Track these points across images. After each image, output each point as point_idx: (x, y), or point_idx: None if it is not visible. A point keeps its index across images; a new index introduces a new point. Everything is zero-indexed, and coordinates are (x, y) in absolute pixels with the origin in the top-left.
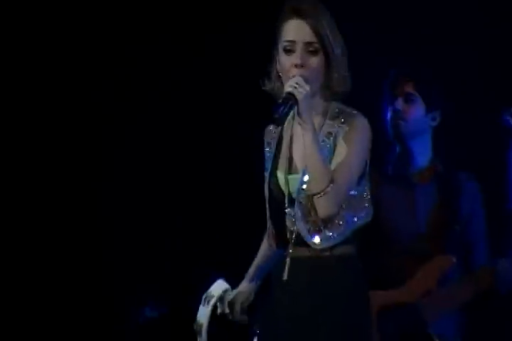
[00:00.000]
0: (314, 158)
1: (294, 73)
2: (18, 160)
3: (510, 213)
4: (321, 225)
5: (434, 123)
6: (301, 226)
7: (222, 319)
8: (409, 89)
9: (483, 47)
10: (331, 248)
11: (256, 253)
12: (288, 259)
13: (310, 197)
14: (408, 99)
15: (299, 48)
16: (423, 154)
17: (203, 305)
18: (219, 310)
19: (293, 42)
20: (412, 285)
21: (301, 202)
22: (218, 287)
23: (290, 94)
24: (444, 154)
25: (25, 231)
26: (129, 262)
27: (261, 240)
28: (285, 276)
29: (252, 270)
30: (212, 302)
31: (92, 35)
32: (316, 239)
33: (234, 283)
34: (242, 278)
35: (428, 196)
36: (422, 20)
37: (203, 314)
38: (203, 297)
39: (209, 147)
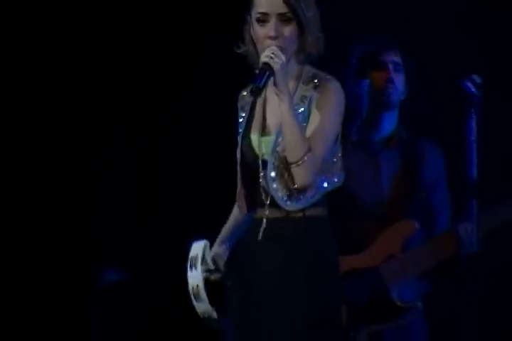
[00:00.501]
0: (292, 127)
1: (268, 44)
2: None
3: (471, 180)
4: (293, 188)
5: (404, 95)
6: (273, 188)
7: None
8: (397, 59)
9: (446, 20)
10: (303, 209)
11: (225, 218)
12: (264, 220)
13: (283, 158)
14: (397, 69)
15: (272, 19)
16: (390, 122)
17: (191, 270)
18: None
19: (266, 14)
20: (375, 249)
21: (274, 164)
22: (198, 247)
23: (266, 64)
24: (408, 122)
25: None
26: (100, 227)
27: (230, 205)
28: (260, 236)
29: (223, 233)
30: (199, 262)
31: (86, 37)
32: (288, 202)
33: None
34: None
35: (392, 162)
36: None
37: (196, 277)
38: (188, 262)
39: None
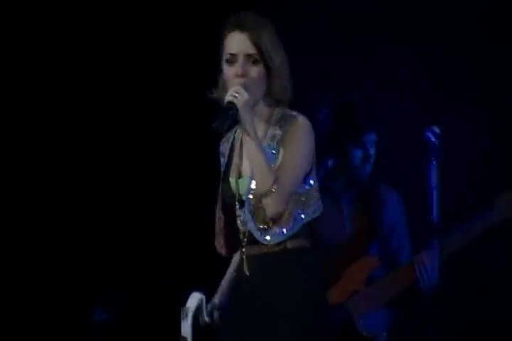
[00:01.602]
0: (258, 161)
1: (235, 82)
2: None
3: (432, 223)
4: (270, 223)
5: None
6: (251, 225)
7: (204, 329)
8: (374, 136)
9: (405, 76)
10: (284, 242)
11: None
12: (244, 257)
13: (258, 197)
14: (373, 146)
15: (240, 60)
16: (360, 179)
17: (183, 319)
18: (200, 321)
19: (234, 54)
20: (341, 286)
21: (250, 202)
22: (193, 299)
23: (230, 103)
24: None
25: None
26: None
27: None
28: (246, 271)
29: (223, 285)
30: (190, 314)
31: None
32: (267, 236)
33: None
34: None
35: (351, 204)
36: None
37: (185, 327)
38: (182, 311)
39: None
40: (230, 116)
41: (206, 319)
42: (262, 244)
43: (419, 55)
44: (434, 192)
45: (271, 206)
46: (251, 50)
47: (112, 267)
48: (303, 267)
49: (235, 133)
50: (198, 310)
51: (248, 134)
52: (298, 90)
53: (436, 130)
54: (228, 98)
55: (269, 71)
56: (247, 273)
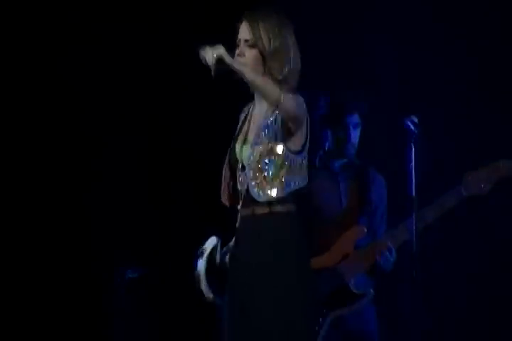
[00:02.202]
0: (257, 80)
1: (237, 60)
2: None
3: (410, 197)
4: (265, 184)
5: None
6: (251, 185)
7: (218, 268)
8: (356, 118)
9: (391, 71)
10: (270, 206)
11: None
12: (241, 215)
13: (257, 162)
14: (355, 127)
15: (241, 43)
16: (347, 156)
17: (199, 258)
18: (215, 262)
19: (239, 39)
20: (334, 250)
21: (250, 166)
22: (210, 242)
23: (218, 58)
24: (361, 153)
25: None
26: (114, 229)
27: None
28: (241, 230)
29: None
30: (206, 254)
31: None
32: (261, 194)
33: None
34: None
35: (347, 182)
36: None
37: (200, 265)
38: (199, 251)
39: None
40: (220, 67)
41: (217, 260)
42: (254, 205)
43: (405, 52)
44: (412, 172)
45: (289, 106)
46: (247, 36)
47: (133, 231)
48: (287, 229)
49: (251, 107)
50: (213, 251)
51: (240, 69)
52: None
53: (415, 119)
54: (212, 57)
55: (263, 54)
56: (241, 232)
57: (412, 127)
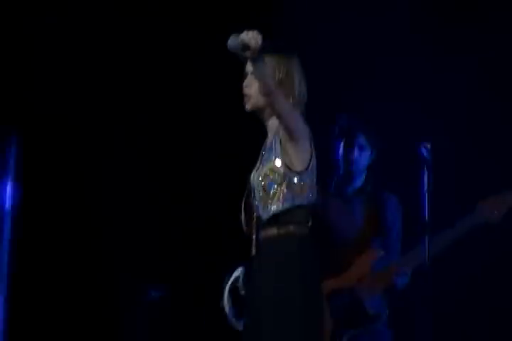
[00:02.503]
0: (260, 70)
1: (244, 91)
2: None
3: (423, 219)
4: (268, 201)
5: (371, 160)
6: (260, 206)
7: (242, 297)
8: (362, 141)
9: (401, 98)
10: (278, 228)
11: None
12: (253, 238)
13: (262, 182)
14: (361, 149)
15: (247, 75)
16: (359, 180)
17: (225, 289)
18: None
19: (246, 72)
20: (351, 272)
21: (258, 188)
22: (236, 272)
23: (245, 45)
24: (373, 178)
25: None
26: (134, 252)
27: None
28: (253, 253)
29: None
30: (228, 284)
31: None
32: (264, 212)
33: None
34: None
35: (360, 207)
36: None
37: (225, 291)
38: (225, 282)
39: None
40: (241, 53)
41: (241, 290)
42: (264, 228)
43: (419, 75)
44: (426, 196)
45: (278, 102)
46: (249, 68)
47: (163, 251)
48: (294, 251)
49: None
50: (236, 281)
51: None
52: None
53: (428, 145)
54: (247, 40)
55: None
56: (254, 254)
57: (425, 153)
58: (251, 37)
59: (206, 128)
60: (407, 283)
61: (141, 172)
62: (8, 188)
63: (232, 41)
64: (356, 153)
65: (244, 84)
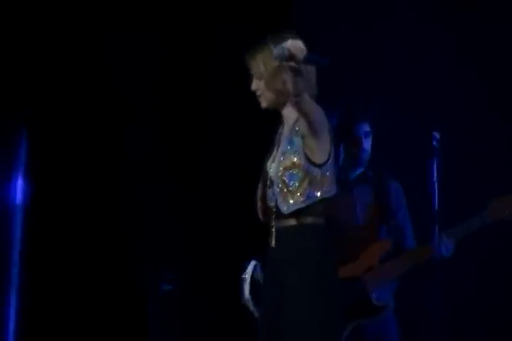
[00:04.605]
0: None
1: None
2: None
3: (433, 210)
4: (288, 196)
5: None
6: (278, 199)
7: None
8: (367, 127)
9: (409, 87)
10: (298, 218)
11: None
12: (272, 230)
13: (282, 176)
14: (367, 136)
15: (253, 77)
16: (360, 168)
17: (244, 284)
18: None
19: (252, 73)
20: (360, 262)
21: (277, 181)
22: (250, 266)
23: (290, 54)
24: (375, 164)
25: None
26: (149, 245)
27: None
28: (273, 243)
29: None
30: (247, 280)
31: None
32: (285, 207)
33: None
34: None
35: (364, 195)
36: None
37: (246, 292)
38: (242, 277)
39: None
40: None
41: (261, 282)
42: (283, 218)
43: (429, 64)
44: (435, 186)
45: (308, 111)
46: (252, 70)
47: (173, 242)
48: (313, 240)
49: (282, 127)
50: (255, 275)
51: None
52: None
53: (437, 135)
54: (294, 52)
55: (265, 80)
56: (273, 245)
57: (434, 142)
58: (298, 49)
59: (217, 115)
60: (451, 254)
61: (152, 166)
62: (19, 184)
63: (279, 50)
64: (364, 141)
65: (253, 88)
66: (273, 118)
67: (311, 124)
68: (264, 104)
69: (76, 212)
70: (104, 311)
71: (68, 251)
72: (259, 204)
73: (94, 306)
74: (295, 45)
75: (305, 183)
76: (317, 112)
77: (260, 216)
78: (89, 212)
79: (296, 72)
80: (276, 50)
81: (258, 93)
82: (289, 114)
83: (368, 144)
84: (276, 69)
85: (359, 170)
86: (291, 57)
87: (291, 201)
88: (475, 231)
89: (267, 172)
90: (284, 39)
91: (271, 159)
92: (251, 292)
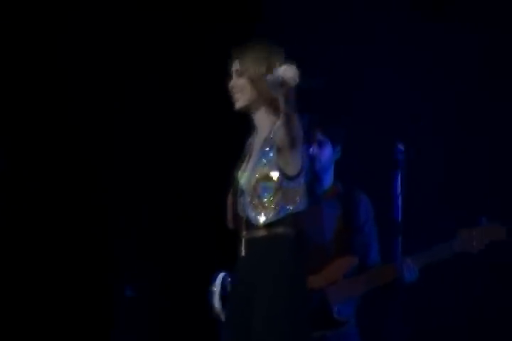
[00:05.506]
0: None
1: (231, 92)
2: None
3: (397, 224)
4: (261, 208)
5: (337, 156)
6: (248, 209)
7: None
8: (320, 136)
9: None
10: (268, 229)
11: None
12: (243, 239)
13: (254, 187)
14: (321, 145)
15: (232, 74)
16: (327, 180)
17: (213, 296)
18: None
19: (231, 71)
20: (324, 275)
21: (248, 191)
22: (219, 279)
23: (283, 80)
24: (343, 177)
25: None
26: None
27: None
28: (243, 253)
29: None
30: (216, 293)
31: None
32: (257, 219)
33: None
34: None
35: (331, 209)
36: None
37: (216, 302)
38: (210, 290)
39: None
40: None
41: (226, 289)
42: (254, 229)
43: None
44: (399, 198)
45: (289, 122)
46: (237, 66)
47: (140, 248)
48: (284, 251)
49: (254, 136)
50: (223, 286)
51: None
52: None
53: (402, 147)
54: (287, 79)
55: (252, 80)
56: (243, 255)
57: (398, 154)
58: (290, 77)
59: (191, 123)
60: (415, 280)
61: (121, 175)
62: None
63: (272, 79)
64: (315, 149)
65: (231, 84)
66: (244, 124)
67: (292, 140)
68: (240, 104)
69: (43, 204)
70: (67, 311)
71: (37, 244)
72: (229, 212)
73: (55, 306)
74: (288, 73)
75: (278, 196)
76: (299, 127)
77: (230, 224)
78: (57, 205)
79: (288, 95)
80: (269, 78)
81: (235, 90)
82: (262, 120)
83: (322, 154)
84: (269, 70)
85: (326, 184)
86: (283, 85)
87: (263, 213)
88: (441, 260)
89: (237, 182)
90: (249, 47)
91: (242, 168)
92: (222, 304)
